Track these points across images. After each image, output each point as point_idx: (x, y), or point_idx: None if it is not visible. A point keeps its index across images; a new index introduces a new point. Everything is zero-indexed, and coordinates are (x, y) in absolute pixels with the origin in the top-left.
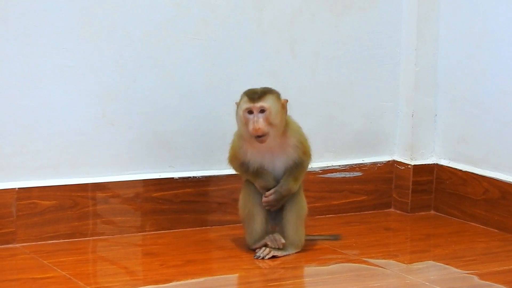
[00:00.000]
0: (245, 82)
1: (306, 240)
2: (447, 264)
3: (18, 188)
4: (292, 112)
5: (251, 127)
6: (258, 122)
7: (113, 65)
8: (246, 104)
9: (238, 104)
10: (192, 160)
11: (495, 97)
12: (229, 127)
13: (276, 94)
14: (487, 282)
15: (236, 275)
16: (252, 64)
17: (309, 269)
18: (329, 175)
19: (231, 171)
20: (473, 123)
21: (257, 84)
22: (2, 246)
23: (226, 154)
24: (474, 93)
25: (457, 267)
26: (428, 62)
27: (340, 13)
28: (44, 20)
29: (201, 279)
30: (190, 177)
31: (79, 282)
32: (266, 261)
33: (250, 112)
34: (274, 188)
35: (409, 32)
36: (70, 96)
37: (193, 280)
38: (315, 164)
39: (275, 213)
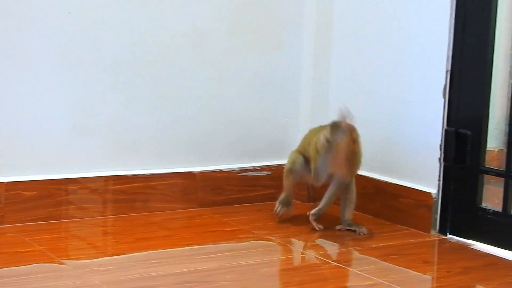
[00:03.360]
0: (187, 102)
1: (222, 223)
2: (334, 242)
3: (7, 182)
4: (221, 126)
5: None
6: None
7: (84, 88)
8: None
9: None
10: (142, 161)
11: (372, 117)
12: (175, 135)
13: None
14: (365, 256)
15: (175, 249)
16: (190, 90)
17: (228, 245)
18: (246, 173)
19: (172, 170)
20: None
21: (194, 104)
22: None
23: (167, 157)
24: (356, 114)
25: (342, 244)
26: (322, 90)
27: (258, 52)
28: (35, 53)
29: (146, 253)
30: (140, 174)
31: (53, 255)
32: (195, 239)
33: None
34: None
35: (307, 66)
36: (52, 112)
37: (141, 253)
38: (236, 165)
39: None
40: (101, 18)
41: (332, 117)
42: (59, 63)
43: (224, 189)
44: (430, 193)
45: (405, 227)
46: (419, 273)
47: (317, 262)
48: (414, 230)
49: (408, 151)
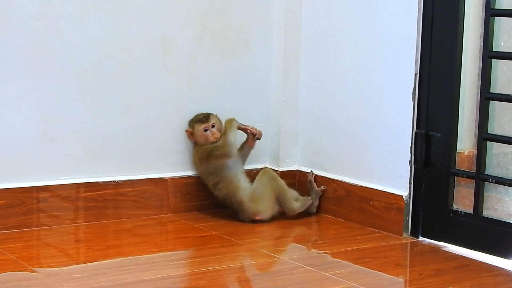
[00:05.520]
0: (153, 109)
1: (194, 228)
2: (306, 246)
3: None
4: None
5: (211, 138)
6: (214, 133)
7: (52, 96)
8: (201, 126)
9: (192, 130)
10: (112, 168)
11: (342, 121)
12: (141, 143)
13: (215, 114)
14: (337, 259)
15: (147, 256)
16: (159, 95)
17: (200, 251)
18: None
19: (142, 176)
20: (325, 140)
21: (163, 110)
22: None
23: (138, 164)
24: (326, 117)
25: (314, 248)
26: (291, 94)
27: (226, 56)
28: (3, 61)
29: (118, 260)
30: (110, 181)
31: (24, 263)
32: (167, 245)
33: (206, 129)
34: None
35: (277, 71)
36: (18, 120)
37: (112, 260)
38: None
39: None
40: (68, 25)
41: (302, 122)
42: (27, 70)
43: (195, 195)
44: (401, 195)
45: (376, 230)
46: (391, 276)
47: (290, 266)
48: (386, 233)
49: (378, 154)
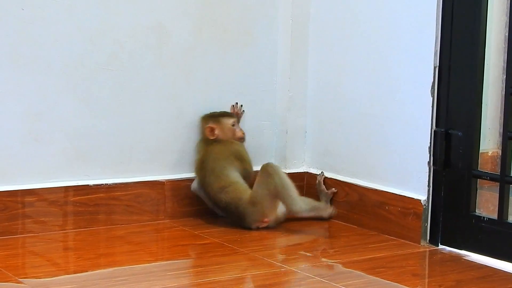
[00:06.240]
0: (148, 105)
1: (193, 235)
2: (316, 255)
3: None
4: (188, 127)
5: (239, 133)
6: (242, 129)
7: (37, 91)
8: (230, 120)
9: (217, 125)
10: (104, 170)
11: (354, 118)
12: (135, 142)
13: None
14: (349, 269)
15: (142, 265)
16: (154, 91)
17: (199, 260)
18: None
19: (137, 178)
20: (336, 139)
21: (158, 107)
22: None
23: (132, 165)
24: (337, 114)
25: (323, 257)
26: (299, 89)
27: (227, 48)
28: None
29: (111, 269)
30: (102, 184)
31: (9, 273)
32: (163, 254)
33: (233, 124)
34: None
35: (283, 64)
36: (1, 118)
37: (104, 270)
38: None
39: None
40: (55, 14)
41: (311, 119)
42: (10, 63)
43: (194, 199)
44: (419, 200)
45: (392, 237)
46: (408, 287)
47: (297, 277)
48: (402, 240)
49: (394, 155)
